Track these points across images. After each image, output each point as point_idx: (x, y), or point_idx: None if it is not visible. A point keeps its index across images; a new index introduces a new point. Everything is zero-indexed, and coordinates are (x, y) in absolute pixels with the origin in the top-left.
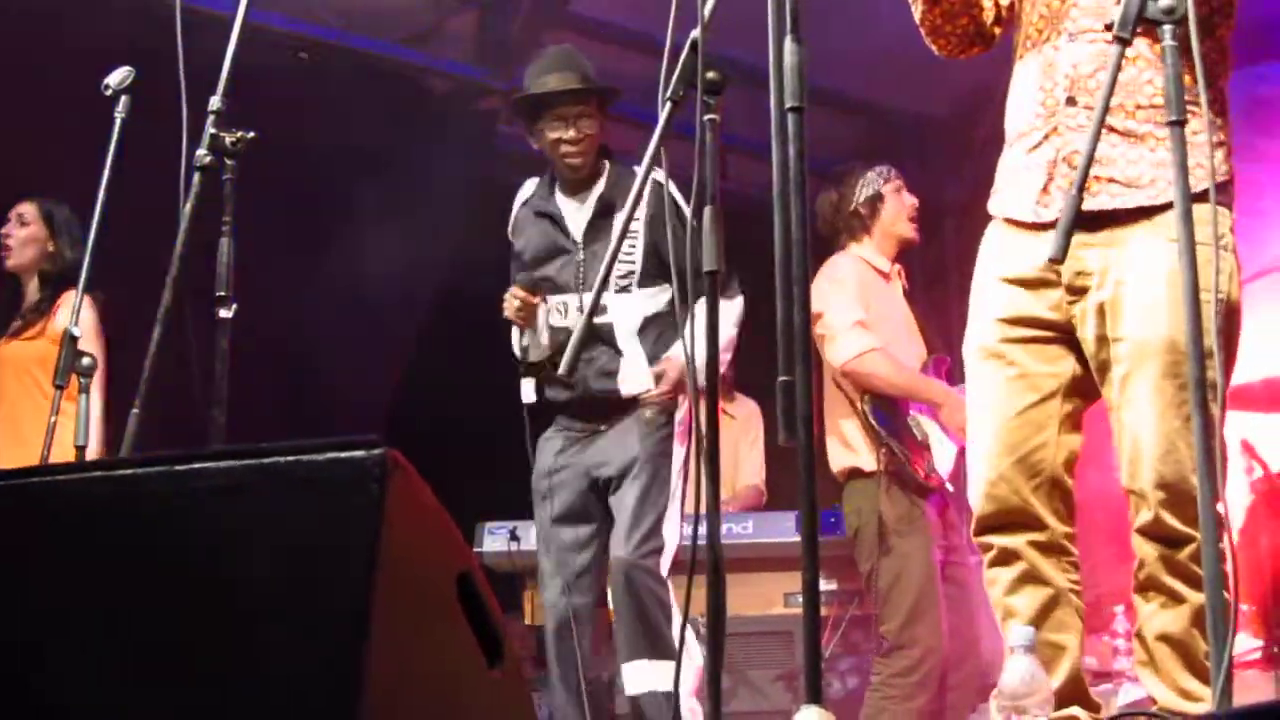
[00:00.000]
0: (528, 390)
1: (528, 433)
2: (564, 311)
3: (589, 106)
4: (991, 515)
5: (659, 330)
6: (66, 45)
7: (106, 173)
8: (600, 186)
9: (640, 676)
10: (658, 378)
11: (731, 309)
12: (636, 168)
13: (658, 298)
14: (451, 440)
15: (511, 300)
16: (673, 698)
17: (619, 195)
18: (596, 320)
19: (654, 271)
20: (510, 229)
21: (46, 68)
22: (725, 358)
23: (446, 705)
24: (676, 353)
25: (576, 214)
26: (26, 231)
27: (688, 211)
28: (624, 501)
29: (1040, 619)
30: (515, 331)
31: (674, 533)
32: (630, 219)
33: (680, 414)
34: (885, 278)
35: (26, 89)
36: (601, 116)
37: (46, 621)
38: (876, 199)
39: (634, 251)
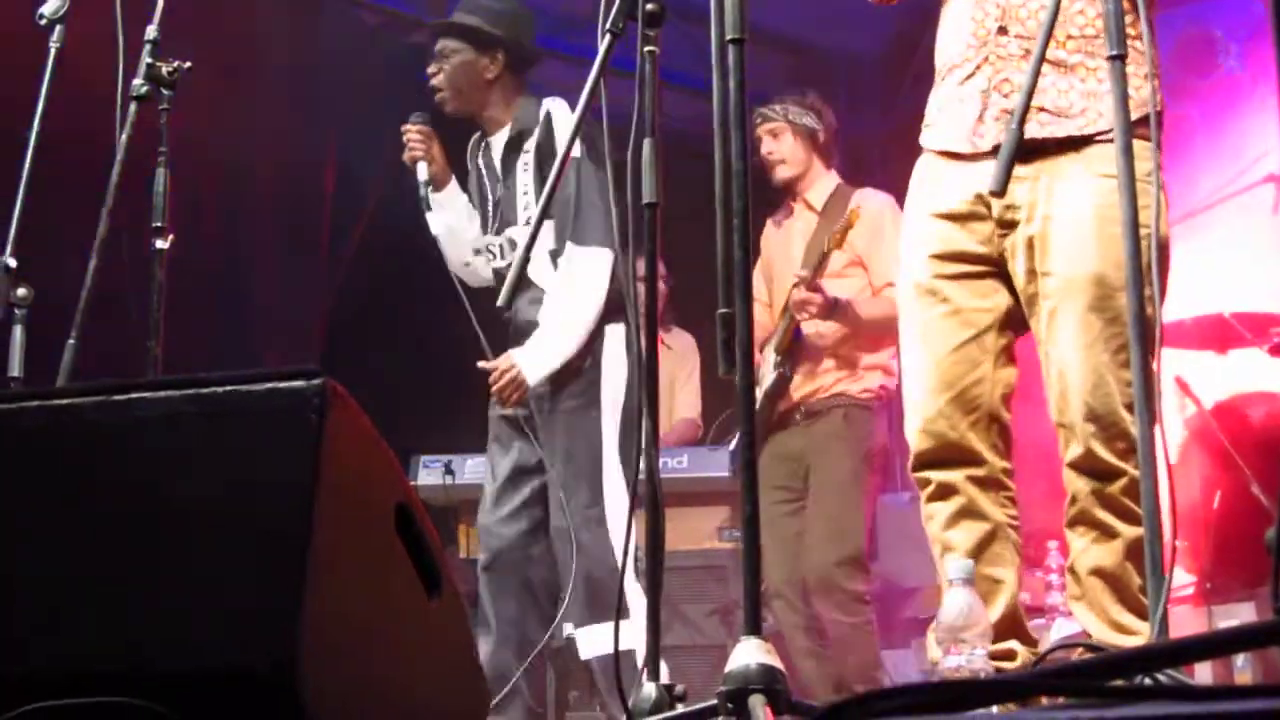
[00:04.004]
0: (435, 221)
1: (447, 260)
2: (496, 253)
3: (454, 43)
4: (929, 451)
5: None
6: None
7: (41, 102)
8: (510, 123)
9: (594, 640)
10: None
11: (590, 264)
12: (548, 100)
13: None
14: (387, 373)
15: (409, 137)
16: (628, 655)
17: (524, 127)
18: (511, 255)
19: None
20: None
21: None
22: (580, 334)
23: (385, 634)
24: (516, 358)
25: (497, 154)
26: None
27: (559, 142)
28: (556, 467)
29: (977, 553)
30: (420, 167)
31: (614, 461)
32: (564, 161)
33: (609, 346)
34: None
35: None
36: (478, 54)
37: None
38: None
39: (529, 184)
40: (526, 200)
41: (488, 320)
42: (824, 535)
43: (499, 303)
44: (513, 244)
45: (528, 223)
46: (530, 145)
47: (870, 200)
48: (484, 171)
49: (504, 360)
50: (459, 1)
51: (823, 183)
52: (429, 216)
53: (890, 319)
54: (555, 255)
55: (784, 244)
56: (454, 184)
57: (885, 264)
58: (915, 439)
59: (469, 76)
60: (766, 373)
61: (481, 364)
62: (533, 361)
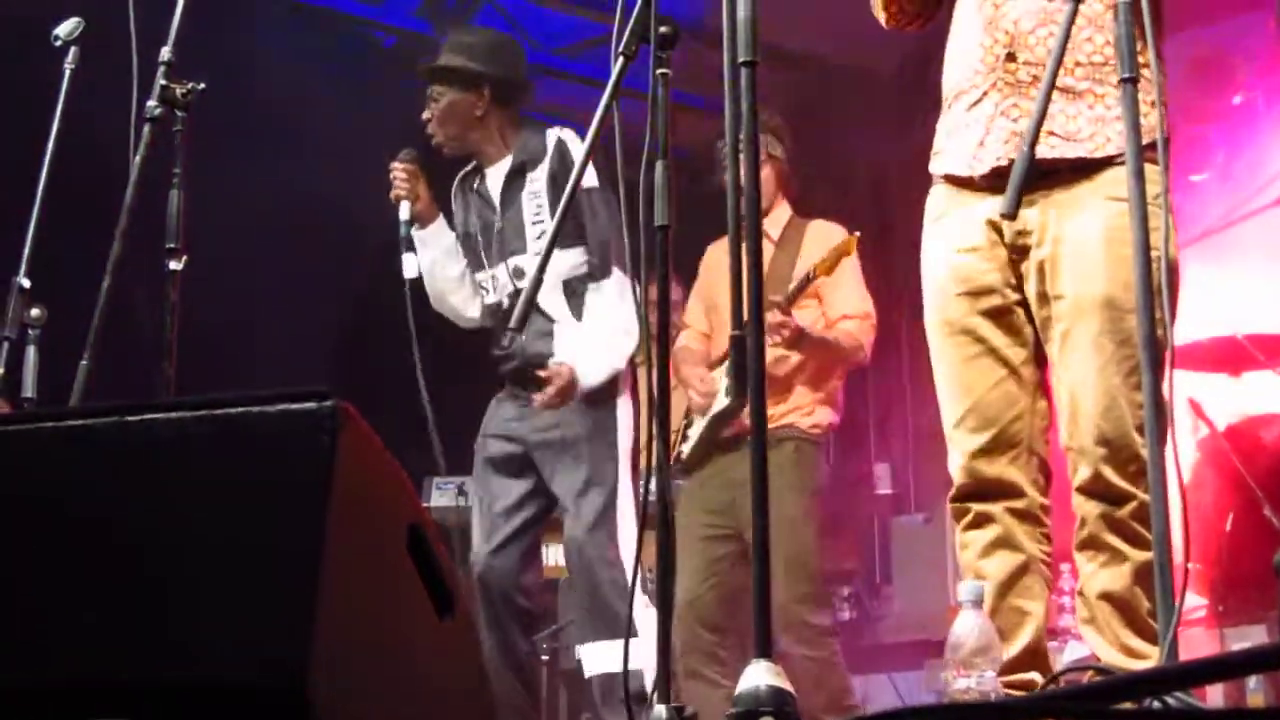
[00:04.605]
0: (409, 265)
1: (409, 310)
2: (490, 287)
3: (439, 86)
4: (971, 485)
5: (578, 293)
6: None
7: (56, 124)
8: (510, 153)
9: (598, 658)
10: (549, 380)
11: (608, 294)
12: (551, 129)
13: (573, 259)
14: (400, 396)
15: (395, 175)
16: (633, 675)
17: (528, 157)
18: (519, 284)
19: (567, 232)
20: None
21: None
22: (625, 355)
23: (397, 654)
24: (568, 359)
25: (496, 184)
26: None
27: (583, 177)
28: (572, 480)
29: (1009, 585)
30: (403, 206)
31: (628, 494)
32: (575, 188)
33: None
34: None
35: None
36: (464, 93)
37: (12, 562)
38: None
39: (541, 212)
40: (539, 230)
41: (482, 356)
42: (783, 573)
43: (511, 325)
44: (519, 273)
45: (537, 254)
46: (540, 174)
47: (831, 234)
48: (479, 204)
49: (557, 366)
50: (444, 41)
51: (779, 212)
52: (405, 258)
53: (843, 351)
54: (569, 285)
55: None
56: (440, 220)
57: (840, 296)
58: (957, 474)
59: (458, 116)
60: (718, 398)
61: (543, 372)
62: (587, 368)
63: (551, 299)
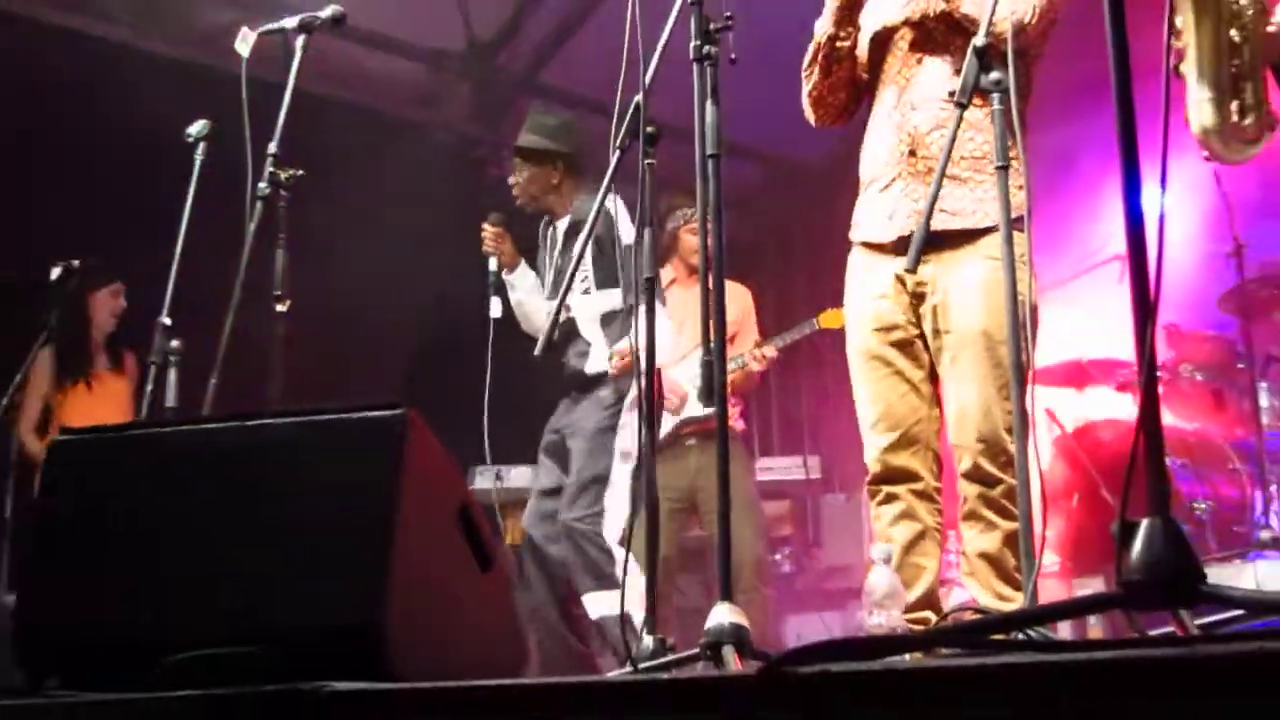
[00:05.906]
0: (495, 307)
1: (490, 341)
2: (550, 314)
3: (522, 159)
4: (883, 473)
5: (618, 323)
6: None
7: (189, 203)
8: (569, 213)
9: (596, 604)
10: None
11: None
12: (610, 196)
13: (612, 298)
14: (450, 403)
15: (485, 236)
16: (625, 618)
17: (581, 218)
18: (568, 315)
19: (607, 278)
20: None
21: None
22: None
23: (450, 599)
24: (623, 345)
25: (560, 236)
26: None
27: (623, 234)
28: (572, 468)
29: (910, 547)
30: (491, 260)
31: (622, 483)
32: (585, 243)
33: (634, 392)
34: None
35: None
36: (543, 167)
37: (160, 532)
38: (674, 236)
39: (587, 263)
40: (585, 274)
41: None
42: (757, 536)
43: (536, 352)
44: (568, 308)
45: (586, 292)
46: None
47: (745, 293)
48: (551, 249)
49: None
50: (525, 118)
51: None
52: (492, 301)
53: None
54: (605, 318)
55: (693, 307)
56: (523, 265)
57: (746, 340)
58: (873, 465)
59: (538, 185)
60: (691, 405)
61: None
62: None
63: (589, 329)
